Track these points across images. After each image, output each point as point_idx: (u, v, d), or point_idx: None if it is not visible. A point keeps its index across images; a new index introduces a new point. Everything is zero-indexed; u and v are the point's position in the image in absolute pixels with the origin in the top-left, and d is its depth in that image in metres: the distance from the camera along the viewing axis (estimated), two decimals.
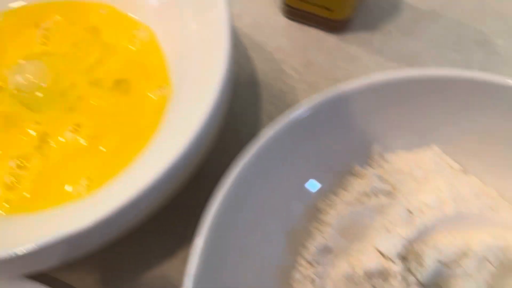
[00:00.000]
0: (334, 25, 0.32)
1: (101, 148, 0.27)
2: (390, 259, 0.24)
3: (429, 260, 0.24)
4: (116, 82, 0.29)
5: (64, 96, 0.29)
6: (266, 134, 0.25)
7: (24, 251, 0.21)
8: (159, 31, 0.31)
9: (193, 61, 0.28)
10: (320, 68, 0.32)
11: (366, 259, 0.24)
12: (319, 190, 0.28)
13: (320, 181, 0.28)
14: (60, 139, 0.27)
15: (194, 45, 0.28)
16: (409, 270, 0.24)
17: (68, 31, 0.31)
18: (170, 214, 0.28)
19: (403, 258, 0.25)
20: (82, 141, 0.27)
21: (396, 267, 0.24)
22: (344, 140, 0.27)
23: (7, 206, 0.25)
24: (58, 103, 0.28)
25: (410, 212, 0.26)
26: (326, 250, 0.26)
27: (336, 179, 0.28)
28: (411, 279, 0.24)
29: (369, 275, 0.24)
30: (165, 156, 0.24)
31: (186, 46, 0.29)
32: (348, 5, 0.31)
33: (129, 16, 0.31)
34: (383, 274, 0.24)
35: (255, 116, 0.30)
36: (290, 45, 0.33)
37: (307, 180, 0.28)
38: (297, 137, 0.26)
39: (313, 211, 0.27)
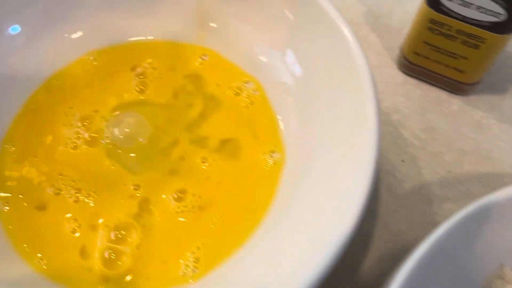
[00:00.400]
0: (460, 87, 0.29)
1: (209, 220, 0.24)
2: None
3: None
4: (222, 143, 0.26)
5: (165, 156, 0.26)
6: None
7: None
8: (268, 86, 0.28)
9: (315, 129, 0.25)
10: (443, 135, 0.29)
11: None
12: None
13: None
14: (162, 208, 0.24)
15: (317, 109, 0.25)
16: None
17: (167, 78, 0.28)
18: None
19: None
20: (187, 211, 0.24)
21: None
22: None
23: (106, 286, 0.22)
24: (158, 164, 0.25)
25: None
26: None
27: None
28: None
29: None
30: (299, 245, 0.21)
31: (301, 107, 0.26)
32: (485, 68, 0.27)
33: (235, 65, 0.28)
34: None
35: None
36: (408, 106, 0.30)
37: None
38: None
39: None
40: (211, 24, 0.28)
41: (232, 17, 0.27)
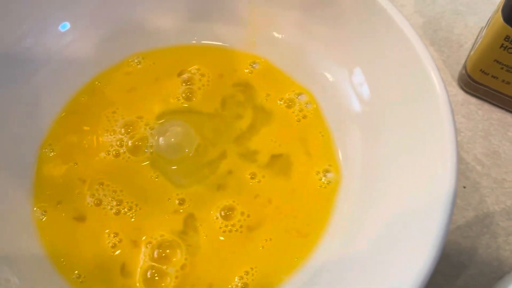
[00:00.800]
0: None
1: (258, 243, 0.22)
2: None
3: None
4: (272, 158, 0.24)
5: (212, 169, 0.24)
6: None
7: None
8: (322, 99, 0.26)
9: (381, 152, 0.23)
10: (508, 161, 0.27)
11: None
12: None
13: None
14: (209, 226, 0.23)
15: (384, 131, 0.23)
16: None
17: (215, 86, 0.26)
18: None
19: None
20: (235, 231, 0.22)
21: None
22: None
23: None
24: (205, 178, 0.24)
25: None
26: None
27: None
28: None
29: None
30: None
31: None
32: None
33: (288, 76, 0.27)
34: None
35: None
36: (470, 127, 0.28)
37: None
38: None
39: None
40: (274, 34, 0.26)
41: (292, 26, 0.26)
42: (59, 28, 0.25)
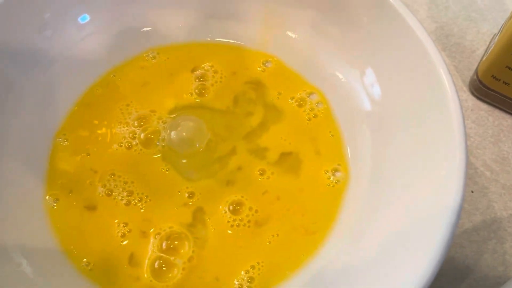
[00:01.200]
0: None
1: (265, 238, 0.23)
2: None
3: None
4: (282, 156, 0.25)
5: (222, 164, 0.24)
6: None
7: None
8: (334, 99, 0.26)
9: (391, 153, 0.23)
10: None
11: None
12: None
13: None
14: (217, 220, 0.23)
15: (395, 132, 0.23)
16: None
17: (228, 83, 0.27)
18: None
19: None
20: (243, 226, 0.23)
21: None
22: None
23: None
24: (215, 172, 0.24)
25: None
26: None
27: None
28: None
29: None
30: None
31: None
32: None
33: (300, 75, 0.27)
34: None
35: None
36: (480, 133, 0.28)
37: None
38: None
39: None
40: (288, 33, 0.27)
41: (305, 26, 0.26)
42: (79, 19, 0.25)
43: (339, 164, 0.24)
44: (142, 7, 0.27)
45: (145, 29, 0.27)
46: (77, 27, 0.25)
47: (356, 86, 0.25)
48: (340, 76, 0.26)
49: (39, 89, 0.25)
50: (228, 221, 0.23)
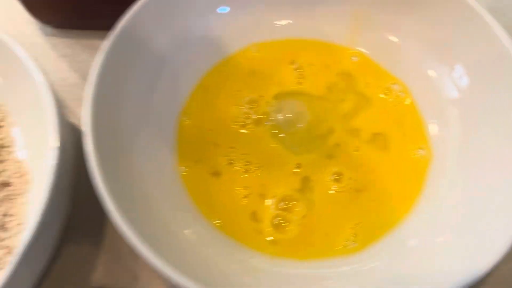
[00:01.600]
0: None
1: (364, 203, 0.27)
2: None
3: None
4: (373, 135, 0.29)
5: (322, 141, 0.29)
6: None
7: None
8: (416, 89, 0.30)
9: (474, 136, 0.27)
10: None
11: None
12: None
13: None
14: (322, 186, 0.27)
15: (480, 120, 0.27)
16: None
17: (322, 74, 0.31)
18: None
19: None
20: (344, 192, 0.27)
21: None
22: None
23: (274, 248, 0.26)
24: (316, 148, 0.28)
25: None
26: None
27: None
28: None
29: None
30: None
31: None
32: None
33: (383, 68, 0.31)
34: None
35: None
36: None
37: None
38: None
39: None
40: (375, 32, 0.31)
41: (391, 26, 0.31)
42: (218, 10, 0.31)
43: (423, 144, 0.29)
44: (252, 7, 0.31)
45: (250, 26, 0.32)
46: (216, 16, 0.31)
47: (443, 79, 0.29)
48: (425, 68, 0.30)
49: (167, 72, 0.30)
50: (332, 188, 0.27)
